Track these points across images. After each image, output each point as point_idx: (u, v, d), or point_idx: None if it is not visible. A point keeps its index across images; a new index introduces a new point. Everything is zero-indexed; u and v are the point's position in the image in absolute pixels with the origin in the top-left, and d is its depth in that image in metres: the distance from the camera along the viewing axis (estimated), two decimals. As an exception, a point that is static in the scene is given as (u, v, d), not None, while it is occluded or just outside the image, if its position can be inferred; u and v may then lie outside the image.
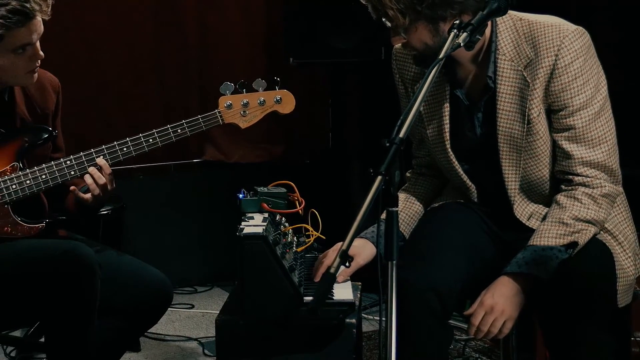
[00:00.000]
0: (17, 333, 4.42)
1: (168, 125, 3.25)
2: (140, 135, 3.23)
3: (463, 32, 2.62)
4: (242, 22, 5.82)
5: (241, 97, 3.31)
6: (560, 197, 2.90)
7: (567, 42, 2.83)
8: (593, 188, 2.87)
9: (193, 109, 5.42)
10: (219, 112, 3.31)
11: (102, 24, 5.44)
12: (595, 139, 2.86)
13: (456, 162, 3.04)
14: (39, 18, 3.11)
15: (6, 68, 3.14)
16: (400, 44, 2.96)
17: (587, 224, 2.83)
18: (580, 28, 2.88)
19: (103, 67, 5.48)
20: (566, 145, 2.88)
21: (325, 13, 5.12)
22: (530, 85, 2.87)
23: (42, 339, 3.94)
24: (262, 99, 3.32)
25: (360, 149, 5.65)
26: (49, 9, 3.13)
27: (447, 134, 3.03)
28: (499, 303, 2.76)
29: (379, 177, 2.29)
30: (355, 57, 5.20)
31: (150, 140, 3.24)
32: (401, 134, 2.34)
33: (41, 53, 3.18)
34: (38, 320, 3.51)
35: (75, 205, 3.31)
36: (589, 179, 2.87)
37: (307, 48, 5.17)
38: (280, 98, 3.34)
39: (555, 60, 2.84)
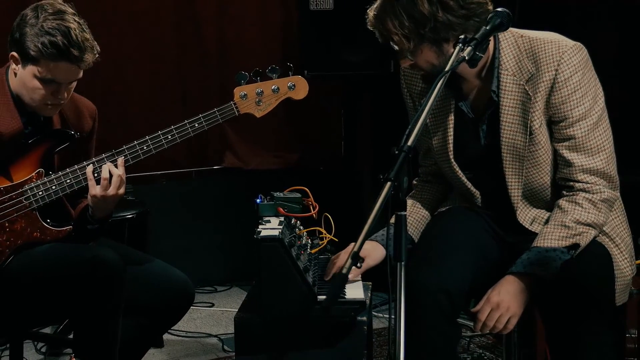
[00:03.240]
0: (47, 330, 4.44)
1: (186, 121, 3.16)
2: (159, 132, 3.15)
3: (468, 46, 2.64)
4: (260, 37, 5.83)
5: (255, 86, 3.20)
6: (562, 202, 2.91)
7: (566, 57, 2.84)
8: (593, 193, 2.88)
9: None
10: (234, 103, 3.19)
11: (127, 38, 5.46)
12: (594, 148, 2.87)
13: (459, 172, 3.05)
14: (75, 66, 3.07)
15: (28, 88, 3.10)
16: (408, 64, 2.96)
17: (587, 227, 2.85)
18: (579, 44, 2.89)
19: (128, 80, 5.51)
20: (567, 154, 2.89)
21: (337, 29, 5.12)
22: (532, 98, 2.88)
23: (70, 336, 3.96)
24: (275, 86, 3.21)
25: (371, 156, 5.65)
26: (91, 62, 3.10)
27: (451, 145, 3.03)
28: (504, 300, 2.77)
29: (389, 183, 2.30)
30: (366, 70, 5.21)
31: (169, 136, 3.14)
32: (409, 143, 2.36)
33: (65, 95, 3.13)
34: (67, 318, 3.51)
35: (77, 213, 3.27)
36: (589, 185, 2.88)
37: (321, 62, 5.17)
38: (294, 84, 3.22)
39: (555, 74, 2.84)
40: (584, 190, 2.89)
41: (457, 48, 2.65)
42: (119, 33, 5.42)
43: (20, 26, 3.08)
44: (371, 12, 2.90)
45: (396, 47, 2.88)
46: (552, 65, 2.85)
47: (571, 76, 2.84)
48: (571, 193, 2.91)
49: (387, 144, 2.44)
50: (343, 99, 5.72)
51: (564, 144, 2.90)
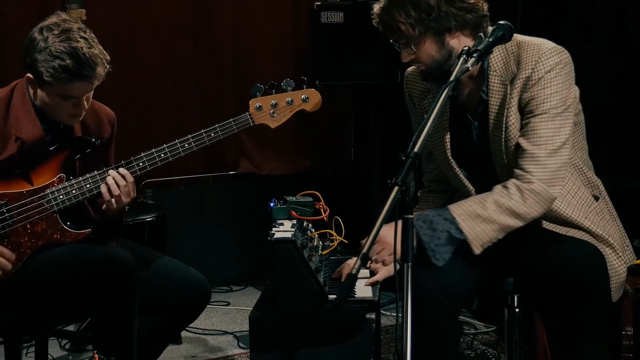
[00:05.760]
0: (70, 327, 4.45)
1: (202, 130, 3.15)
2: (177, 141, 3.14)
3: (471, 58, 2.65)
4: (273, 48, 5.83)
5: (270, 98, 3.18)
6: (497, 185, 2.90)
7: (544, 57, 2.85)
8: (522, 181, 2.85)
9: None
10: (249, 114, 3.17)
11: (147, 51, 5.48)
12: (542, 138, 2.85)
13: (457, 169, 3.06)
14: (89, 82, 3.07)
15: (50, 106, 3.12)
16: (409, 59, 2.96)
17: (504, 215, 2.83)
18: (560, 47, 2.90)
19: (148, 91, 5.52)
20: (520, 141, 2.88)
21: (347, 41, 5.15)
22: (508, 96, 2.89)
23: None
24: (290, 98, 3.19)
25: (379, 162, 5.66)
26: (104, 74, 3.09)
27: (448, 144, 3.05)
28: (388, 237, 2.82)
29: (396, 188, 2.31)
30: (374, 80, 5.22)
31: (186, 145, 3.14)
32: (416, 149, 2.36)
33: (85, 104, 3.14)
34: (87, 315, 3.52)
35: (96, 212, 3.26)
36: (523, 173, 2.86)
37: (332, 72, 5.19)
38: (307, 97, 3.21)
39: (531, 72, 2.86)
40: (517, 176, 2.87)
41: (462, 59, 2.66)
42: (140, 45, 5.44)
43: (30, 52, 3.06)
44: (377, 6, 2.93)
45: (400, 40, 2.91)
46: (530, 64, 2.86)
47: (544, 75, 2.84)
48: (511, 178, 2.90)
49: (395, 150, 2.45)
50: (352, 107, 5.73)
51: (522, 131, 2.89)
